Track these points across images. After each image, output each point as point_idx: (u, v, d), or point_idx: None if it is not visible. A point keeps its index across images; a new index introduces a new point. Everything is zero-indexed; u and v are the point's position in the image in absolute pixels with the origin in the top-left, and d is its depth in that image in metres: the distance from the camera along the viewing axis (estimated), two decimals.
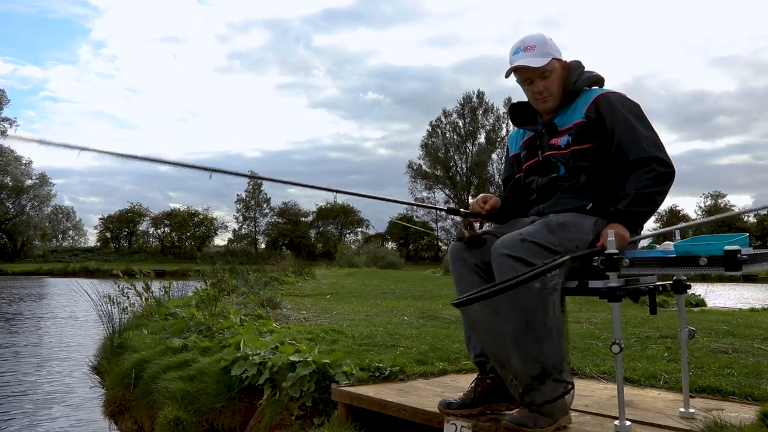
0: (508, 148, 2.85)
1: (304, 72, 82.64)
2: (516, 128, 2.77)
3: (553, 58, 2.48)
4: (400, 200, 3.62)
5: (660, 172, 2.31)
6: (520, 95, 2.68)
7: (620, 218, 2.31)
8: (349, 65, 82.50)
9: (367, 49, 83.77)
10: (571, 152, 2.45)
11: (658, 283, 2.39)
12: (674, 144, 67.08)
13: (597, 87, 2.54)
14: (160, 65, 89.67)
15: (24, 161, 53.25)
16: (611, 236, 2.16)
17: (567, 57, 2.57)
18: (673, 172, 2.34)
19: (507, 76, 2.55)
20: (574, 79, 2.51)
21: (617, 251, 2.14)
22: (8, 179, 51.57)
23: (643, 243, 2.46)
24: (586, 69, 2.57)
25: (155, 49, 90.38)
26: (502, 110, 54.12)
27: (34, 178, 53.81)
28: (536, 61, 2.45)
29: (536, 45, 2.47)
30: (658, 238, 2.46)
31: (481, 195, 2.66)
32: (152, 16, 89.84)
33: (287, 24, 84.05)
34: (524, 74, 2.51)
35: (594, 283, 2.23)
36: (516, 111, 2.69)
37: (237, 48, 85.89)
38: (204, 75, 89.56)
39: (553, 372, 2.17)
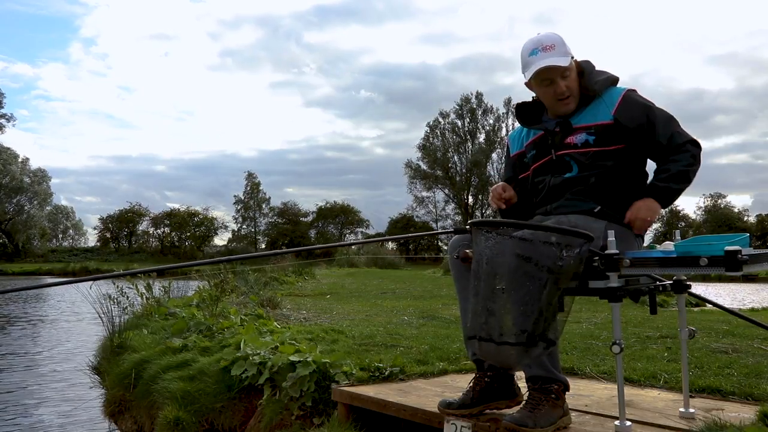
0: (508, 148, 2.79)
1: (297, 69, 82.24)
2: (518, 127, 2.72)
3: (571, 58, 2.44)
4: (403, 236, 3.61)
5: (695, 153, 2.37)
6: (517, 94, 2.64)
7: (655, 193, 2.37)
8: (342, 63, 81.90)
9: (359, 47, 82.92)
10: (594, 153, 2.40)
11: (658, 283, 2.39)
12: None
13: (614, 86, 2.50)
14: (152, 63, 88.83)
15: (20, 159, 53.30)
16: (611, 236, 2.16)
17: None
18: (701, 150, 2.40)
19: (529, 77, 2.44)
20: (594, 80, 2.47)
21: (617, 251, 2.14)
22: (7, 178, 51.41)
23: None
24: (596, 69, 2.53)
25: (146, 47, 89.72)
26: (502, 110, 54.07)
27: (31, 175, 53.72)
28: (562, 60, 2.39)
29: (555, 44, 2.41)
30: (659, 237, 2.46)
31: (501, 183, 2.64)
32: (142, 13, 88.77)
33: (278, 21, 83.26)
34: (546, 74, 2.42)
35: (594, 283, 2.21)
36: (522, 110, 2.64)
37: (229, 45, 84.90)
38: (197, 73, 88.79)
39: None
